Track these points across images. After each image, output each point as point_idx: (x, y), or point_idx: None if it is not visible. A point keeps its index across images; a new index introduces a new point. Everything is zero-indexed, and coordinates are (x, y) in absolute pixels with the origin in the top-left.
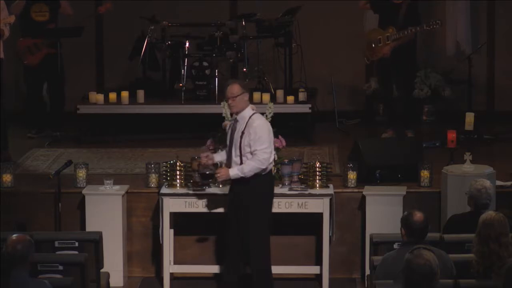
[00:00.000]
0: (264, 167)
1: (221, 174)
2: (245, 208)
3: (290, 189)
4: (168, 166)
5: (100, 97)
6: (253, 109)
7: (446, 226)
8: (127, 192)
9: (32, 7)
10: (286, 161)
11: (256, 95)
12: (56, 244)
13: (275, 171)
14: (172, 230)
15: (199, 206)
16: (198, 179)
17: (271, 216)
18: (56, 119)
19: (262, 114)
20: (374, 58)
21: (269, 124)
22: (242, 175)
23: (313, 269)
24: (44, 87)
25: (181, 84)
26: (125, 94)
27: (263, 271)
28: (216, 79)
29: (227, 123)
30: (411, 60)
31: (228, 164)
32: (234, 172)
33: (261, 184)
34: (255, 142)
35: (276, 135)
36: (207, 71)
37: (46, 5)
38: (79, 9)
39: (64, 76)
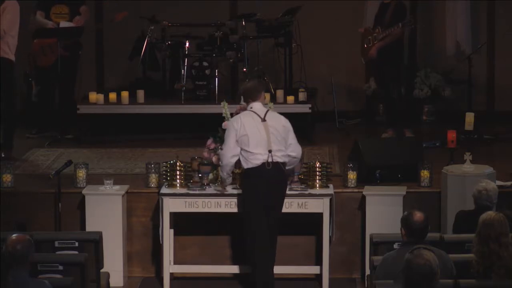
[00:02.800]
0: (221, 163)
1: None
2: None
3: (290, 189)
4: (168, 166)
5: (100, 97)
6: (249, 108)
7: (454, 223)
8: (127, 192)
9: (53, 9)
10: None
11: None
12: (56, 244)
13: None
14: (172, 230)
15: (199, 206)
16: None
17: (257, 217)
18: (65, 121)
19: None
20: (366, 59)
21: (236, 121)
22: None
23: (313, 269)
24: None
25: (181, 84)
26: (125, 94)
27: (251, 272)
28: (216, 79)
29: (227, 123)
30: (399, 59)
31: None
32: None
33: (243, 176)
34: None
35: None
36: (207, 71)
37: (66, 6)
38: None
39: (75, 78)
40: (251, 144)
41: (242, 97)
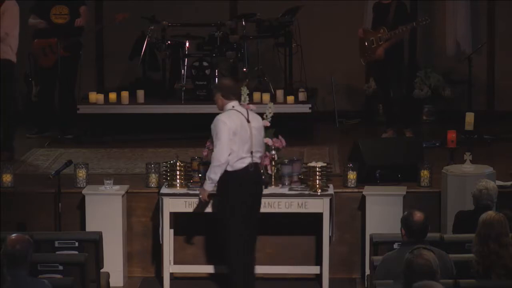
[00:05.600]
0: (216, 163)
1: (201, 194)
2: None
3: (290, 189)
4: (168, 166)
5: (100, 97)
6: (233, 107)
7: (454, 223)
8: (127, 192)
9: (52, 9)
10: (286, 161)
11: (256, 95)
12: (56, 244)
13: (275, 171)
14: (172, 230)
15: (199, 206)
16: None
17: (243, 220)
18: (66, 121)
19: (262, 114)
20: (369, 59)
21: (226, 117)
22: (208, 180)
23: (313, 269)
24: (34, 89)
25: (181, 84)
26: (125, 94)
27: (228, 273)
28: (216, 79)
29: (215, 120)
30: (402, 58)
31: None
32: (205, 181)
33: (225, 180)
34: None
35: (276, 135)
36: (207, 71)
37: (66, 7)
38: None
39: (76, 78)
40: (239, 145)
41: (221, 93)
